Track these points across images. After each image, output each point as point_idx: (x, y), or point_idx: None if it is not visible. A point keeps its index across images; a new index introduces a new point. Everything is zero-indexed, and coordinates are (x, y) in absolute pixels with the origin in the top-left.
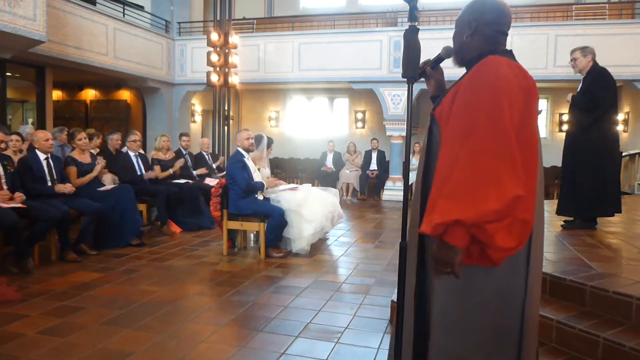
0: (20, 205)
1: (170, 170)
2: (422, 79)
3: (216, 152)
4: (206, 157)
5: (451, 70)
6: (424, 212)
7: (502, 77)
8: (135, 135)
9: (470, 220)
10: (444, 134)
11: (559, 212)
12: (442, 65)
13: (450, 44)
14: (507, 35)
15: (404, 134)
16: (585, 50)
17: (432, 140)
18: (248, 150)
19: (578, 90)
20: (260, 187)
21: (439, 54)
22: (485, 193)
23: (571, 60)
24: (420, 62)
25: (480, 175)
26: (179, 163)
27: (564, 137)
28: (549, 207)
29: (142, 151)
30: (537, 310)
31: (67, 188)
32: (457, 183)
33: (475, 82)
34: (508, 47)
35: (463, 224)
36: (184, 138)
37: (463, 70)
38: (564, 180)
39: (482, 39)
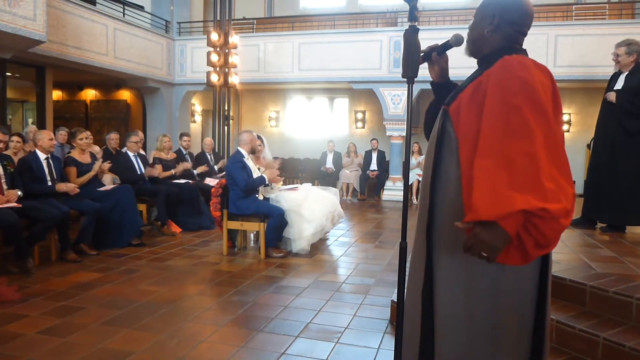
0: (15, 204)
1: (173, 171)
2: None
3: (216, 151)
4: (208, 157)
5: (456, 71)
6: (432, 206)
7: (534, 72)
8: (137, 137)
9: (554, 212)
10: (461, 132)
11: (588, 216)
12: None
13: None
14: (526, 35)
15: (404, 134)
16: (630, 47)
17: (444, 136)
18: (253, 152)
19: (617, 88)
20: (261, 181)
21: (448, 40)
22: (555, 190)
23: (613, 55)
24: (426, 47)
25: (544, 174)
26: (182, 167)
27: (564, 137)
28: None
29: (142, 151)
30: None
31: (68, 187)
32: (521, 178)
33: (510, 77)
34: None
35: (543, 211)
36: (185, 138)
37: (466, 68)
38: (593, 184)
39: (502, 37)
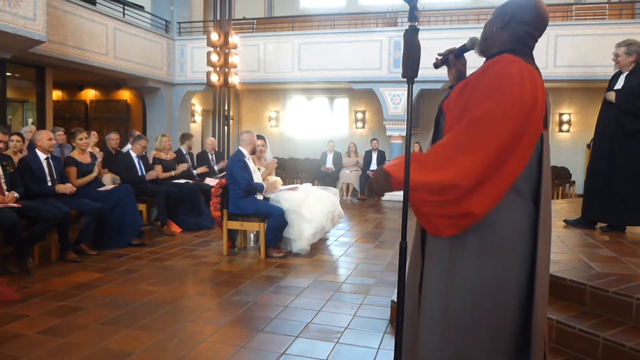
0: (14, 204)
1: (172, 173)
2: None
3: (217, 151)
4: (210, 156)
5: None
6: None
7: (507, 75)
8: (145, 141)
9: (412, 181)
10: (447, 127)
11: (586, 215)
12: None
13: (451, 44)
14: (536, 40)
15: (404, 134)
16: (630, 47)
17: (439, 132)
18: (254, 152)
19: (617, 88)
20: (259, 188)
21: (464, 44)
22: (436, 168)
23: (613, 55)
24: (445, 50)
25: (442, 158)
26: (182, 167)
27: (564, 138)
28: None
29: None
30: (544, 310)
31: (67, 188)
32: (427, 156)
33: (483, 78)
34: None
35: (393, 179)
36: (187, 142)
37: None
38: (593, 183)
39: (510, 36)
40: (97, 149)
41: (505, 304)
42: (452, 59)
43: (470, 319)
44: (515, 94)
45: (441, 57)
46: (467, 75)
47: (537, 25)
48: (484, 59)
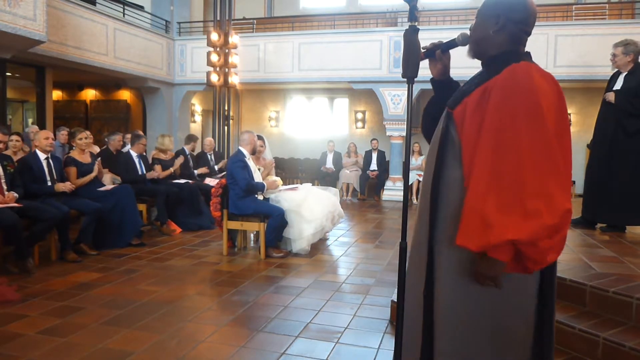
0: (14, 204)
1: (172, 169)
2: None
3: (217, 151)
4: (208, 157)
5: (457, 71)
6: (434, 212)
7: (538, 84)
8: (145, 140)
9: (526, 239)
10: (465, 137)
11: (587, 216)
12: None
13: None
14: (530, 34)
15: (404, 134)
16: (627, 47)
17: (447, 139)
18: (254, 152)
19: (616, 88)
20: (260, 187)
21: (454, 39)
22: (538, 208)
23: (611, 55)
24: (429, 43)
25: (530, 190)
26: (179, 161)
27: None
28: None
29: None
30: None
31: (66, 186)
32: (507, 197)
33: (511, 91)
34: None
35: (518, 243)
36: (192, 144)
37: (469, 68)
38: (592, 184)
39: (507, 37)
40: (97, 148)
41: (528, 306)
42: (439, 54)
43: (495, 322)
44: (550, 107)
45: (426, 50)
46: (453, 69)
47: (530, 22)
48: (476, 59)
